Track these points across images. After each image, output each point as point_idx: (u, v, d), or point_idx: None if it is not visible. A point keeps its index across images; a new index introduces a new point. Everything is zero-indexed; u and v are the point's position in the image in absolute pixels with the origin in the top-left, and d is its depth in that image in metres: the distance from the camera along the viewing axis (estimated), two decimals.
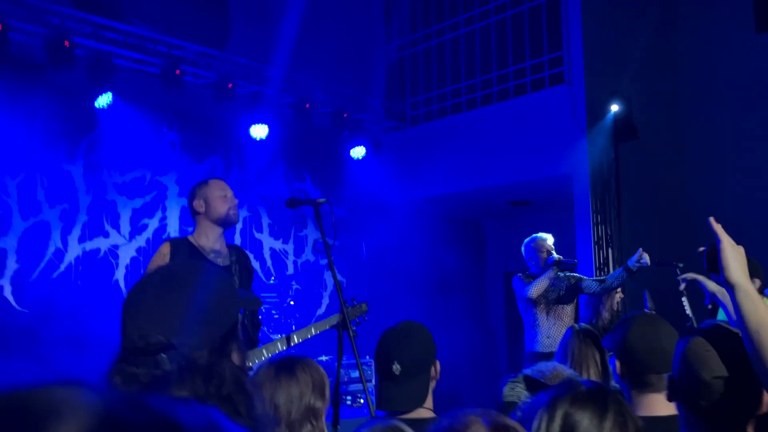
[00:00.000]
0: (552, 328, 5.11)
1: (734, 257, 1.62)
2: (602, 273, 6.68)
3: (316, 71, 7.33)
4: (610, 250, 6.71)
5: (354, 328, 3.50)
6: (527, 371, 2.25)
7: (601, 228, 6.74)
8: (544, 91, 7.18)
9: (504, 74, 7.59)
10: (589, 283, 5.23)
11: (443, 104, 8.09)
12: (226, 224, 3.49)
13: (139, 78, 6.25)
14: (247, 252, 3.67)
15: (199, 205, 3.46)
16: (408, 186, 7.99)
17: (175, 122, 6.81)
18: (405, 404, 2.01)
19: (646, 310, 4.92)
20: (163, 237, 3.58)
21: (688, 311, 5.31)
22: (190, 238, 3.50)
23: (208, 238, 3.47)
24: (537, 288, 5.04)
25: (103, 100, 5.87)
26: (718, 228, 1.71)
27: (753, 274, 4.99)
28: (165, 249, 3.39)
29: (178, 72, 6.13)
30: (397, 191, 8.01)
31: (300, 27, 6.87)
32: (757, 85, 7.45)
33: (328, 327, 3.64)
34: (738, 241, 1.94)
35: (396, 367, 1.99)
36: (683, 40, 7.98)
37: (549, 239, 5.30)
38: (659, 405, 1.86)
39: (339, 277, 8.59)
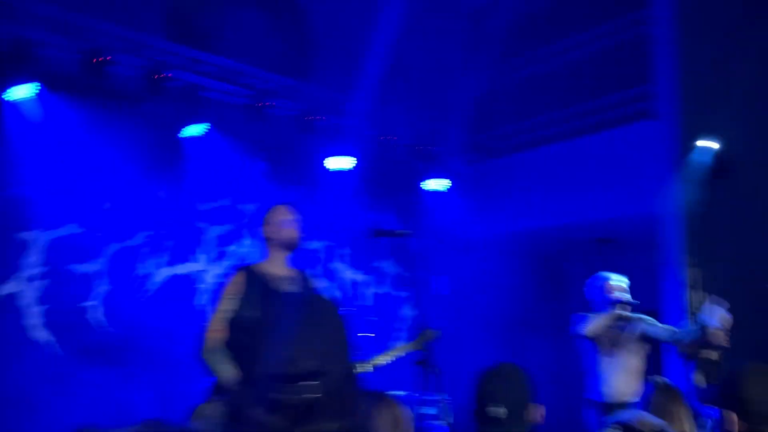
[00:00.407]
0: (613, 377, 4.76)
1: None
2: (693, 318, 6.32)
3: (400, 102, 7.37)
4: (699, 294, 6.34)
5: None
6: (620, 419, 2.13)
7: (692, 270, 6.38)
8: (633, 126, 6.94)
9: (590, 109, 7.39)
10: (657, 329, 4.85)
11: (527, 137, 7.94)
12: (291, 247, 3.53)
13: (226, 109, 6.46)
14: (313, 274, 3.70)
15: (268, 230, 3.55)
16: (488, 220, 7.86)
17: (259, 152, 6.98)
18: None
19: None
20: (235, 266, 3.64)
21: None
22: (262, 265, 3.55)
23: (279, 265, 3.53)
24: (594, 325, 4.70)
25: (195, 129, 6.09)
26: None
27: None
28: (239, 278, 3.45)
29: (263, 103, 6.31)
30: (478, 225, 7.89)
31: (385, 59, 6.92)
32: None
33: (424, 344, 3.53)
34: None
35: (502, 410, 1.92)
36: None
37: (621, 282, 4.96)
38: None
39: (415, 311, 8.50)
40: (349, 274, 7.61)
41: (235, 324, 3.27)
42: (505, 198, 7.72)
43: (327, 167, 6.90)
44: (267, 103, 6.36)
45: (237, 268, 3.55)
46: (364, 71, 6.87)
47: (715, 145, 6.28)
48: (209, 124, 6.03)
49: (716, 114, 6.65)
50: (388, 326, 7.71)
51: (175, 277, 6.49)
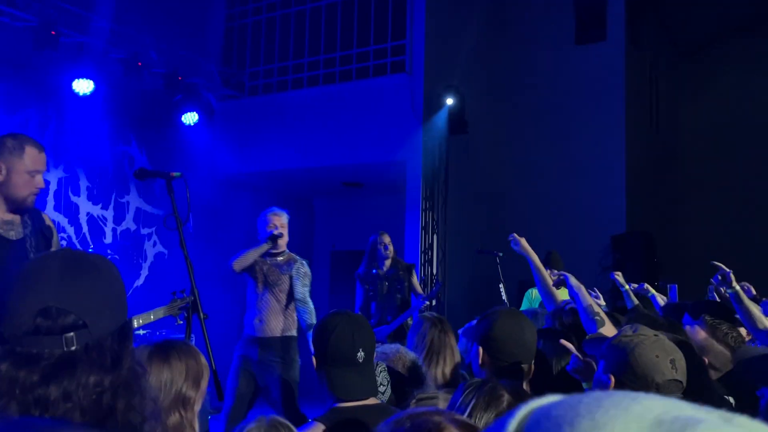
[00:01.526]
0: (264, 312, 4.54)
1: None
2: (426, 257, 7.02)
3: (151, 29, 6.87)
4: (435, 236, 7.05)
5: (180, 317, 3.36)
6: (380, 358, 2.32)
7: (429, 214, 7.06)
8: (385, 78, 7.33)
9: (347, 56, 7.63)
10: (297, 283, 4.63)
11: (283, 78, 7.97)
12: (19, 208, 2.89)
13: None
14: (43, 213, 3.10)
15: (7, 170, 2.80)
16: (241, 158, 7.80)
17: None
18: (365, 392, 1.98)
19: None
20: None
21: (504, 297, 5.78)
22: None
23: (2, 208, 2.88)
24: (242, 259, 4.42)
25: None
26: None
27: (554, 265, 5.51)
28: None
29: None
30: (229, 162, 7.78)
31: None
32: (575, 93, 8.18)
33: (168, 314, 3.45)
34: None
35: (360, 355, 1.96)
36: (509, 43, 8.54)
37: (281, 216, 4.65)
38: None
39: (162, 249, 8.20)
40: (89, 208, 7.04)
41: None
42: (260, 137, 7.71)
43: (73, 90, 6.23)
44: None
45: None
46: None
47: (453, 101, 6.91)
48: None
49: (455, 73, 7.33)
50: (131, 265, 7.33)
51: None
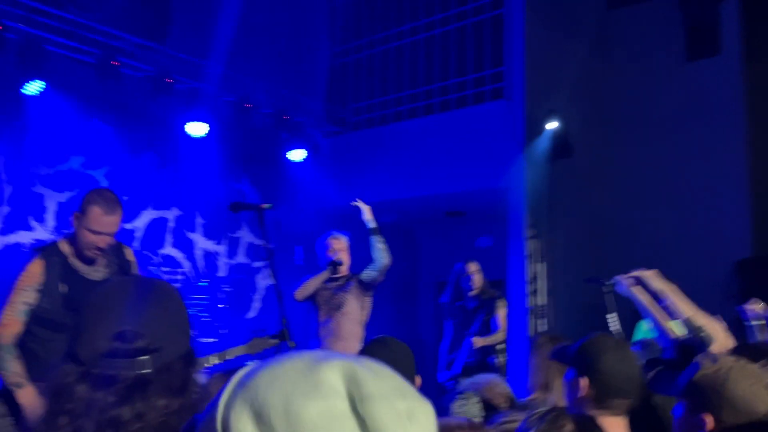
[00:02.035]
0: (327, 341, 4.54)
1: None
2: (532, 287, 6.83)
3: (258, 71, 7.22)
4: (541, 264, 6.86)
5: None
6: (472, 388, 2.27)
7: (534, 242, 6.88)
8: (484, 105, 7.29)
9: (446, 86, 7.67)
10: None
11: (384, 112, 8.10)
12: (83, 259, 3.06)
13: (73, 67, 6.00)
14: (127, 246, 3.29)
15: (75, 222, 2.99)
16: (346, 191, 7.95)
17: (109, 114, 6.56)
18: None
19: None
20: (33, 247, 3.13)
21: (615, 327, 5.48)
22: (64, 247, 3.06)
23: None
24: (302, 288, 4.48)
25: (34, 87, 5.61)
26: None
27: None
28: (36, 268, 2.96)
29: (114, 63, 5.92)
30: (335, 196, 7.96)
31: (242, 24, 6.76)
32: (686, 113, 7.78)
33: (247, 352, 3.50)
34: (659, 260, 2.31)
35: None
36: (616, 65, 8.26)
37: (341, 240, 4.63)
38: (619, 428, 1.92)
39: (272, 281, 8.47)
40: (203, 243, 7.41)
41: (37, 317, 2.89)
42: (363, 170, 7.85)
43: (187, 133, 6.63)
44: (119, 63, 5.97)
45: (35, 254, 3.00)
46: (220, 35, 6.65)
47: (556, 126, 6.76)
48: (45, 83, 5.54)
49: (558, 97, 7.17)
50: (243, 297, 7.62)
51: (11, 246, 5.98)
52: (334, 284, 4.60)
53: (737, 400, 1.62)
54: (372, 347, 2.09)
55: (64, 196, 6.37)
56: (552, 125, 6.74)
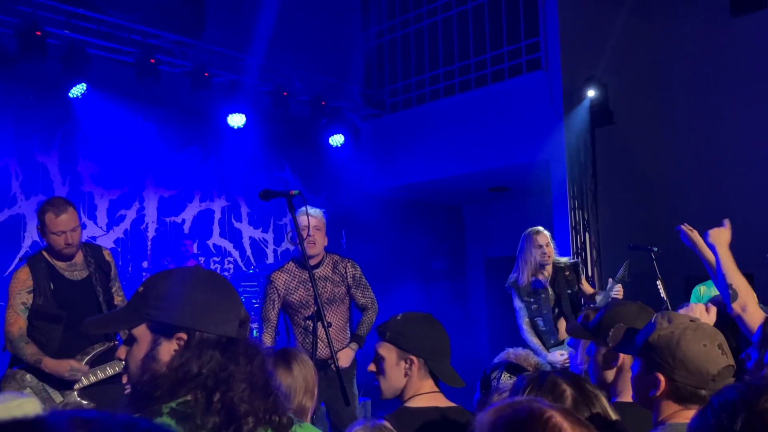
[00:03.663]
0: None
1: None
2: (580, 257, 6.75)
3: (294, 59, 7.29)
4: (587, 235, 6.78)
5: None
6: (503, 360, 2.28)
7: (579, 213, 6.80)
8: (521, 77, 7.20)
9: (482, 60, 7.60)
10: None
11: (421, 91, 8.09)
12: (67, 257, 3.38)
13: (114, 67, 6.18)
14: (105, 249, 3.61)
15: (41, 234, 3.36)
16: (387, 173, 8.00)
17: (151, 112, 6.74)
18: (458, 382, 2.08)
19: (617, 278, 4.81)
20: (21, 257, 3.50)
21: (663, 294, 5.36)
22: (46, 255, 3.41)
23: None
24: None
25: (77, 90, 5.81)
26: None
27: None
28: (23, 274, 3.33)
29: (153, 61, 6.07)
30: (377, 178, 8.01)
31: (276, 15, 6.83)
32: (732, 69, 7.53)
33: None
34: (709, 223, 2.25)
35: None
36: (658, 26, 8.03)
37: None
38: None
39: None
40: (251, 232, 7.56)
41: (36, 312, 3.28)
42: (404, 151, 7.87)
43: (228, 124, 6.77)
44: (157, 60, 6.13)
45: (22, 263, 3.39)
46: (255, 27, 6.74)
47: (595, 93, 6.63)
48: (86, 85, 5.73)
49: (596, 64, 7.03)
50: None
51: None
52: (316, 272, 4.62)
53: (689, 361, 1.58)
54: (417, 320, 2.12)
55: (113, 194, 6.59)
56: (591, 93, 6.61)
